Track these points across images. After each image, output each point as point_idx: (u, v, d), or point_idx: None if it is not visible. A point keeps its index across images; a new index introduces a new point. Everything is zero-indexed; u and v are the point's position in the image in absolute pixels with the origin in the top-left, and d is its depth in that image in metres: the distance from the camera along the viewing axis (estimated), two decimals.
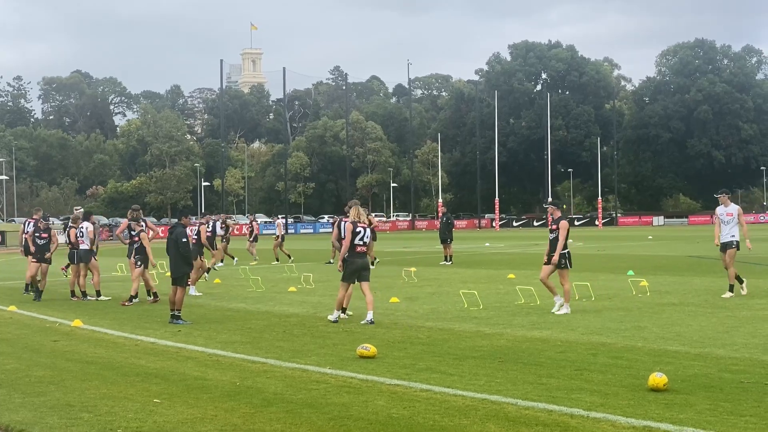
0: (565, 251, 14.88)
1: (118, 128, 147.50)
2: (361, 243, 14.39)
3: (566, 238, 14.88)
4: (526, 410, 7.93)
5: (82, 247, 19.85)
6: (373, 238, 24.67)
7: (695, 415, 7.59)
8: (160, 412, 8.17)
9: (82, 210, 23.03)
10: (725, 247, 17.29)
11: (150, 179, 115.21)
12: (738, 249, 17.34)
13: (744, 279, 17.61)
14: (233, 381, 9.59)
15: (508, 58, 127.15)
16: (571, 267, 15.10)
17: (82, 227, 20.01)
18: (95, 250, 20.32)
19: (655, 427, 7.25)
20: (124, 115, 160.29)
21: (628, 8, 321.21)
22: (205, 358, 11.28)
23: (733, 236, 17.19)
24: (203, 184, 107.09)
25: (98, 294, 19.77)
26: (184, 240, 15.37)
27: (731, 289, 17.09)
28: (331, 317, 14.61)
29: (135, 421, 7.81)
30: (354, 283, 14.50)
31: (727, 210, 17.37)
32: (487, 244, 49.16)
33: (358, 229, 14.42)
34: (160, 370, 10.38)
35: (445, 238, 30.34)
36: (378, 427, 7.48)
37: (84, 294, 19.86)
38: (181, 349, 12.03)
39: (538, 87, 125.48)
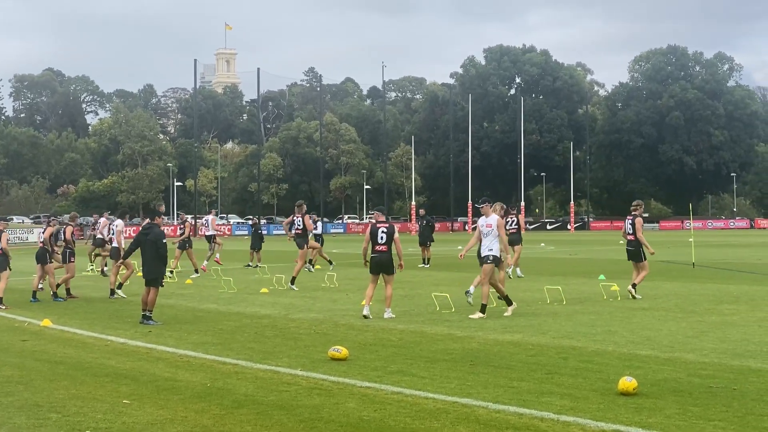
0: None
1: (90, 127, 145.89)
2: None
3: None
4: (496, 413, 7.95)
5: (114, 245, 21.01)
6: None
7: (664, 420, 7.65)
8: (130, 413, 8.12)
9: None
10: (482, 261, 15.49)
11: (122, 179, 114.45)
12: (496, 265, 15.47)
13: (514, 303, 15.85)
14: (204, 382, 9.54)
15: (483, 62, 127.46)
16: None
17: (114, 225, 21.12)
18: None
19: (624, 430, 7.30)
20: (97, 114, 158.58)
21: (605, 14, 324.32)
22: (175, 359, 11.22)
23: (491, 250, 15.35)
24: (176, 184, 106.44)
25: (111, 293, 19.75)
26: (164, 241, 15.26)
27: (483, 309, 15.20)
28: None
29: (104, 422, 7.75)
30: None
31: (487, 221, 15.58)
32: (459, 247, 49.17)
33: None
34: (130, 371, 10.32)
35: (425, 240, 30.62)
36: (349, 430, 7.48)
37: (68, 292, 19.84)
38: (152, 350, 11.96)
39: (512, 91, 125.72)
